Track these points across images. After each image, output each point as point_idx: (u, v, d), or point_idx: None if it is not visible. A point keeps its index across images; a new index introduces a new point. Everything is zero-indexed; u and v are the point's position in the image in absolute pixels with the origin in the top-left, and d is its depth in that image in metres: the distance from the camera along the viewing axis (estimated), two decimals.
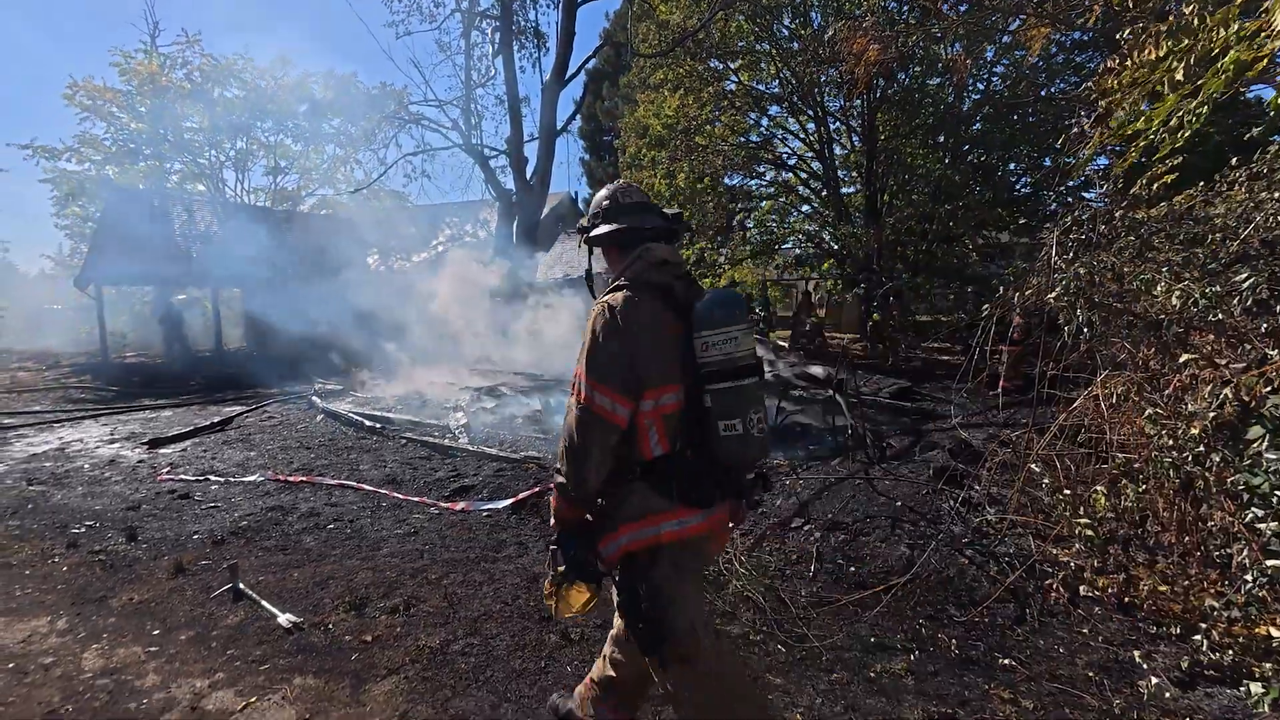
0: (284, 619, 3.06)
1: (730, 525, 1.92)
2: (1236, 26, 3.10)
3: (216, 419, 7.95)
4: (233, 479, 5.51)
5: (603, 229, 1.88)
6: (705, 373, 1.71)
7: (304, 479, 5.47)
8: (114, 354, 14.87)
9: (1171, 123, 3.42)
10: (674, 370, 1.72)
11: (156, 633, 3.00)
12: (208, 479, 5.52)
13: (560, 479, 1.73)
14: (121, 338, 18.22)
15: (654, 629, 1.69)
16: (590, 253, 1.96)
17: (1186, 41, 3.24)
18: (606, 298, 1.76)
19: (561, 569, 1.78)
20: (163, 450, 6.58)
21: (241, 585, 3.37)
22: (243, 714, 2.41)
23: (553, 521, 1.81)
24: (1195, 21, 3.23)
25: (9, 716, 2.38)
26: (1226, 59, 3.07)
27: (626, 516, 1.74)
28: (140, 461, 6.12)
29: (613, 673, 1.99)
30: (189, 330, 12.61)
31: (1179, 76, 3.29)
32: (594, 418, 1.66)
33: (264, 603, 3.23)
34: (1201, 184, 3.71)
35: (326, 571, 3.64)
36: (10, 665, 2.72)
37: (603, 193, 1.94)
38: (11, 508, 4.78)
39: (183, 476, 5.60)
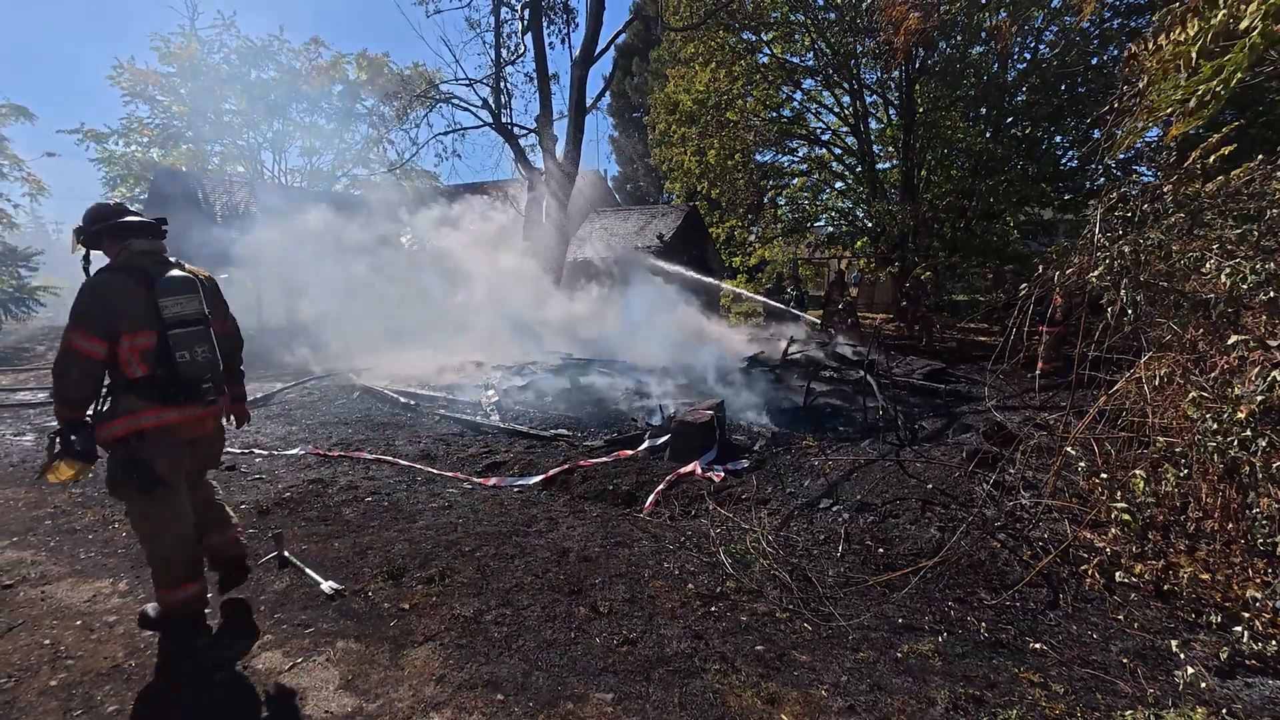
0: (326, 586, 3.20)
1: (206, 418, 2.82)
2: None
3: (258, 395, 8.24)
4: (275, 452, 5.74)
5: (94, 231, 2.70)
6: (166, 322, 2.61)
7: (343, 453, 5.66)
8: None
9: (1190, 104, 3.21)
10: (144, 322, 2.58)
11: (209, 596, 3.16)
12: (252, 452, 5.75)
13: (54, 395, 2.56)
14: None
15: (126, 478, 2.56)
16: (88, 250, 2.73)
17: (1214, 19, 3.02)
18: (94, 275, 2.61)
19: (58, 451, 2.54)
20: None
21: (286, 553, 3.53)
22: (290, 673, 2.54)
23: (57, 419, 2.58)
24: None
25: (80, 669, 2.56)
26: (1254, 33, 2.86)
27: (120, 413, 2.59)
28: None
29: (149, 550, 2.72)
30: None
31: (1194, 53, 3.08)
32: (74, 353, 2.49)
33: (308, 570, 3.38)
34: (1260, 157, 3.51)
35: (365, 542, 3.78)
36: (78, 623, 2.92)
37: (95, 207, 2.76)
38: None
39: (228, 449, 5.84)
